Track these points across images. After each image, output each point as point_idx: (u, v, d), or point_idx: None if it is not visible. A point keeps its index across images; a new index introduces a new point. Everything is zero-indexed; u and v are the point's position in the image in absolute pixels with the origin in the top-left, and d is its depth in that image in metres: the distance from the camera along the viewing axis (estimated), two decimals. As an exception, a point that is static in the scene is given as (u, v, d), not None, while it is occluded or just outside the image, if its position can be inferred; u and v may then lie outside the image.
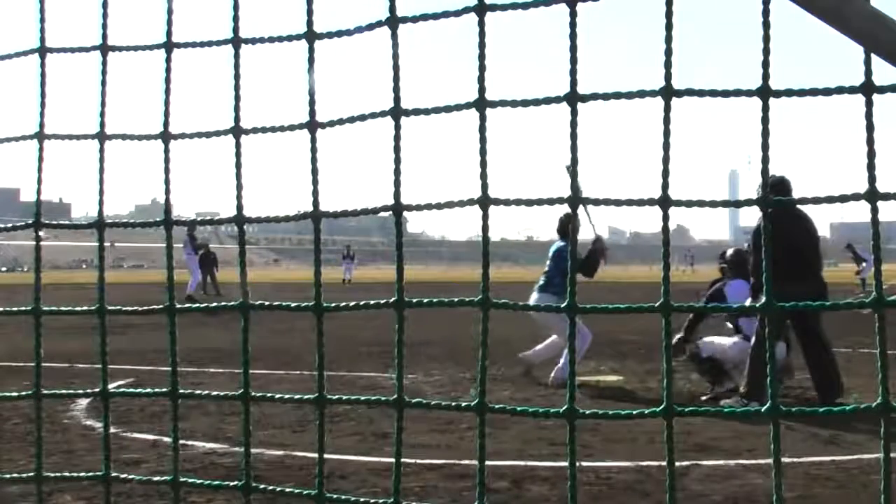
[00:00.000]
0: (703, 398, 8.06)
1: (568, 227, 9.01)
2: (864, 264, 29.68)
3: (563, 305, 1.53)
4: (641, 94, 1.49)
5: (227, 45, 1.70)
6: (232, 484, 1.80)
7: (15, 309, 1.94)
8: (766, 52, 1.43)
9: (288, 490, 1.92)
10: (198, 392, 1.92)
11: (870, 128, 1.39)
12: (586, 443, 5.80)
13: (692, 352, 8.22)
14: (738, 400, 7.52)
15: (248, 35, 1.70)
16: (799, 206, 7.41)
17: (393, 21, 1.58)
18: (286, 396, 1.81)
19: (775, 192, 7.96)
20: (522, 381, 9.07)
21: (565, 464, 1.54)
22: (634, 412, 1.58)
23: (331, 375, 8.82)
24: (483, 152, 1.54)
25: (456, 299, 1.64)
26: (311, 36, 1.65)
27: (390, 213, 1.61)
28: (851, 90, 1.41)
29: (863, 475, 5.14)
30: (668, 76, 1.47)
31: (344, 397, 1.81)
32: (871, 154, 1.38)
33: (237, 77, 1.69)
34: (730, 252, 8.73)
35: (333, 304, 1.67)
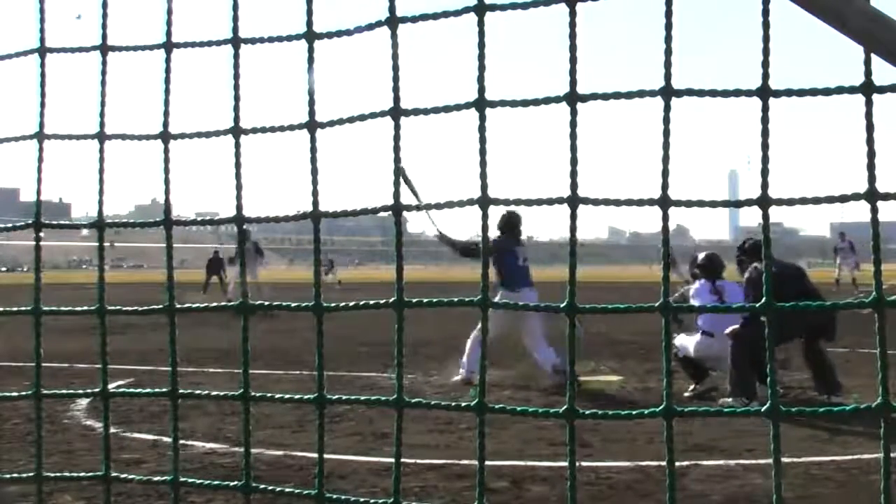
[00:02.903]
0: (686, 395, 8.18)
1: (508, 223, 9.01)
2: (848, 259, 29.02)
3: (563, 305, 1.53)
4: (641, 94, 1.49)
5: (227, 45, 1.70)
6: (232, 484, 1.80)
7: (15, 309, 1.94)
8: (766, 52, 1.43)
9: (288, 490, 1.92)
10: (198, 392, 1.92)
11: (870, 128, 1.39)
12: (586, 443, 5.80)
13: (673, 352, 8.35)
14: (740, 399, 7.55)
15: (247, 35, 1.70)
16: (761, 264, 7.64)
17: (393, 21, 1.58)
18: (286, 396, 1.81)
19: (750, 255, 8.07)
20: (522, 382, 9.07)
21: (565, 464, 1.54)
22: (634, 412, 1.58)
23: (330, 375, 8.82)
24: (483, 152, 1.54)
25: (456, 299, 1.64)
26: (310, 36, 1.65)
27: (390, 213, 1.62)
28: (851, 90, 1.41)
29: (863, 475, 5.14)
30: (667, 76, 1.47)
31: (343, 397, 1.81)
32: (871, 154, 1.38)
33: (237, 77, 1.69)
34: (701, 257, 8.85)
35: (333, 304, 1.67)
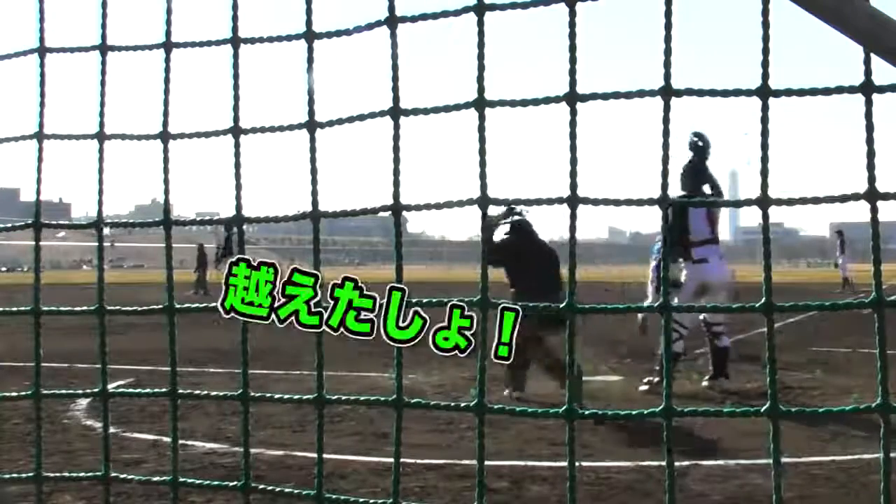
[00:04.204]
0: (641, 388, 8.21)
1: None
2: (840, 259, 29.00)
3: (562, 305, 1.53)
4: (641, 93, 1.49)
5: (227, 44, 1.70)
6: (232, 484, 1.80)
7: (15, 309, 1.94)
8: (766, 52, 1.43)
9: (287, 490, 1.92)
10: (198, 392, 1.92)
11: (869, 128, 1.39)
12: (586, 443, 5.79)
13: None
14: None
15: (247, 35, 1.70)
16: (521, 223, 7.84)
17: (392, 21, 1.58)
18: (286, 396, 1.81)
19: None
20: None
21: (565, 464, 1.54)
22: (634, 412, 1.58)
23: (330, 375, 8.79)
24: (482, 152, 1.54)
25: (455, 299, 1.64)
26: (310, 36, 1.65)
27: (390, 213, 1.62)
28: (851, 90, 1.41)
29: (863, 475, 5.14)
30: (667, 76, 1.47)
31: (343, 397, 1.81)
32: (871, 154, 1.38)
33: (236, 77, 1.69)
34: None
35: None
